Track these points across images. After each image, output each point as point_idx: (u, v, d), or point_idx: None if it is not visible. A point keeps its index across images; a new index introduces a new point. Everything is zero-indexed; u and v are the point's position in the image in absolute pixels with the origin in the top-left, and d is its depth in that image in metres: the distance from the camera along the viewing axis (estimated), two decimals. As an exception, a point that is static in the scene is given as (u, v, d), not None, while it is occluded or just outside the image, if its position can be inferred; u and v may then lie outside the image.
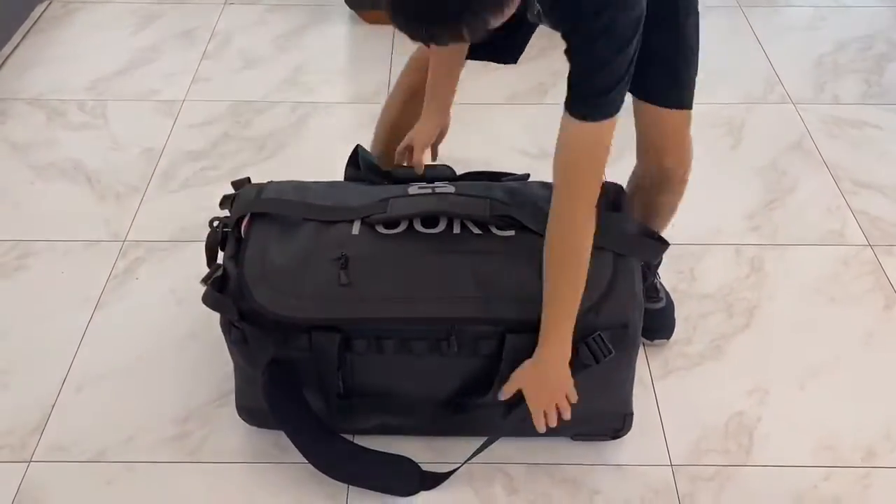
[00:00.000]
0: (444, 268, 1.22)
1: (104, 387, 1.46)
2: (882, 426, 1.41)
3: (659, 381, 1.48)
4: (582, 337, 1.19)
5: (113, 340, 1.54)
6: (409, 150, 1.45)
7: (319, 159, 1.99)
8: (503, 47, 1.39)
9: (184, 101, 2.17)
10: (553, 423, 1.23)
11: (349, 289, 1.19)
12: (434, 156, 1.50)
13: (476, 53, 1.42)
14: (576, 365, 1.20)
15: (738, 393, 1.47)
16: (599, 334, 1.19)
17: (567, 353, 1.18)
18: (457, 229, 1.25)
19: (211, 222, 1.31)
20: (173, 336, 1.55)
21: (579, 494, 1.31)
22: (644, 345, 1.53)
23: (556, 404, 1.22)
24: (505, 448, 1.34)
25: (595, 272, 1.19)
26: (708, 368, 1.51)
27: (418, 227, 1.25)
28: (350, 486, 1.30)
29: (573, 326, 1.17)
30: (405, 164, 1.45)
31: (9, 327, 1.57)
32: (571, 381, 1.20)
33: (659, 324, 1.54)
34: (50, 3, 2.56)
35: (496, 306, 1.18)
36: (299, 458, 1.33)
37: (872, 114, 2.15)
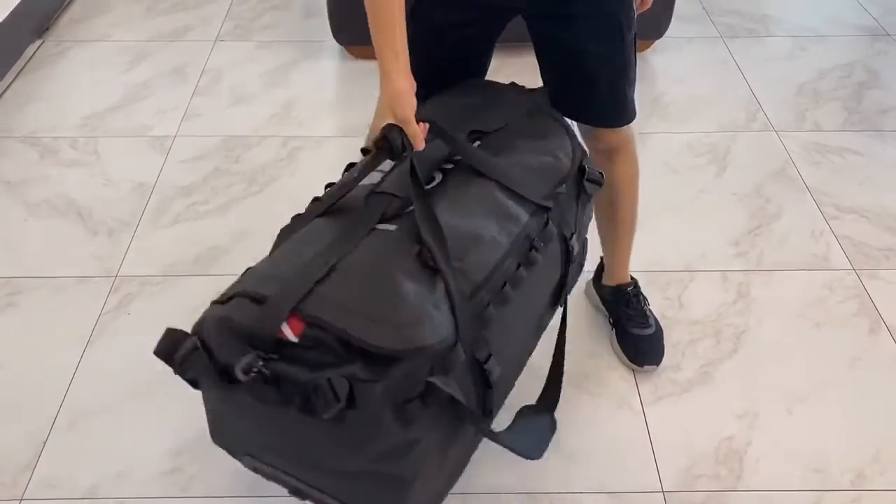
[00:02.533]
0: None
1: (96, 423, 1.46)
2: (870, 449, 1.43)
3: (649, 407, 1.49)
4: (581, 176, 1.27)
5: (105, 376, 1.55)
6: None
7: (310, 193, 2.00)
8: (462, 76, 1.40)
9: (175, 136, 2.20)
10: None
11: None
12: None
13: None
14: (587, 202, 1.30)
15: (728, 418, 1.48)
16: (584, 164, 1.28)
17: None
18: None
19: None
20: (165, 371, 1.53)
21: (571, 523, 1.31)
22: (634, 371, 1.55)
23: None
24: (499, 476, 1.35)
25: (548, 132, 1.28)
26: (697, 394, 1.52)
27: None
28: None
29: None
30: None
31: (0, 364, 1.57)
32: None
33: (648, 350, 1.55)
34: (43, 42, 2.59)
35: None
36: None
37: (853, 140, 2.20)
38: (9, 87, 2.38)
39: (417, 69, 1.16)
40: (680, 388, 1.53)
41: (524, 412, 1.19)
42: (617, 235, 1.56)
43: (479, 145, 1.25)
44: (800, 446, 1.43)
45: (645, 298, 1.60)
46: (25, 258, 1.82)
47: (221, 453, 1.38)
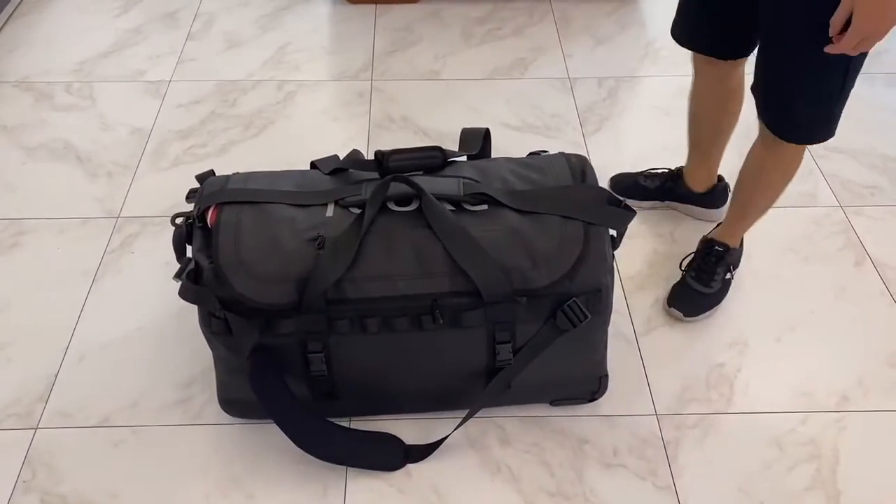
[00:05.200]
0: (420, 244, 1.22)
1: (106, 356, 1.50)
2: (854, 373, 1.49)
3: (643, 336, 1.55)
4: (558, 304, 1.23)
5: (112, 312, 1.58)
6: None
7: (306, 136, 2.03)
8: (737, 41, 1.43)
9: (170, 81, 2.20)
10: (854, 52, 1.13)
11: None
12: None
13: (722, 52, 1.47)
14: (553, 331, 1.25)
15: (719, 346, 1.53)
16: (574, 300, 1.23)
17: None
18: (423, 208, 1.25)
19: (173, 219, 1.28)
20: (171, 306, 1.58)
21: (568, 443, 1.37)
22: (627, 301, 1.60)
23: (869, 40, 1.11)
24: (498, 402, 1.40)
25: (567, 240, 1.23)
26: (689, 324, 1.57)
27: (392, 206, 1.26)
28: (350, 443, 1.35)
29: None
30: None
31: (8, 302, 1.60)
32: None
33: (687, 300, 1.56)
34: (31, -12, 2.56)
35: (470, 279, 1.20)
36: (300, 417, 1.38)
37: (842, 82, 2.23)
38: (-1, 32, 2.37)
39: None
40: (673, 319, 1.58)
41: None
42: (735, 204, 1.55)
43: (470, 209, 1.25)
44: (787, 372, 1.49)
45: (728, 266, 1.57)
46: (27, 200, 1.83)
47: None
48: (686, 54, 2.34)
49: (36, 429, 1.38)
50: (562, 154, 1.39)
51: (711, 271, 1.56)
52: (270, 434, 1.35)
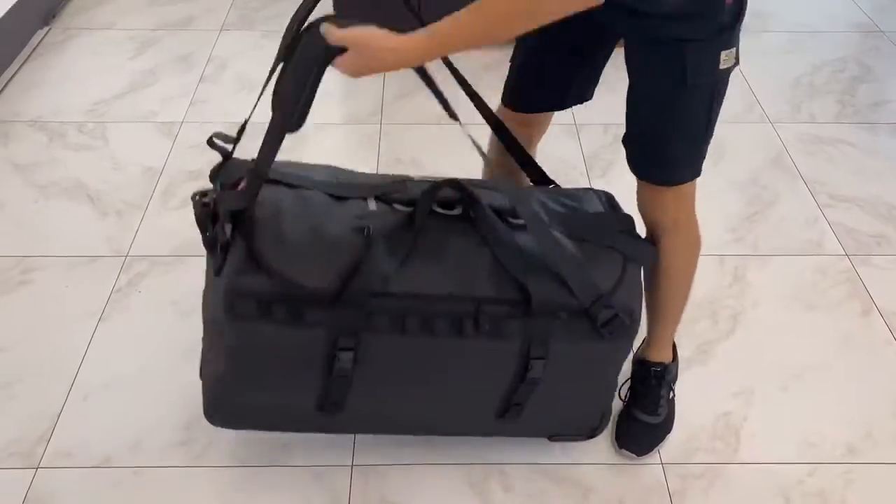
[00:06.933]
0: (467, 248, 1.19)
1: (110, 396, 1.50)
2: (862, 424, 1.47)
3: (648, 384, 1.54)
4: (592, 326, 1.20)
5: (117, 351, 1.58)
6: None
7: (316, 177, 2.05)
8: (580, 88, 1.41)
9: (182, 122, 2.23)
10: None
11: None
12: None
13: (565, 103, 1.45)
14: (592, 335, 1.21)
15: (725, 395, 1.52)
16: (617, 313, 1.20)
17: (421, 60, 1.15)
18: (473, 213, 1.22)
19: (193, 196, 1.20)
20: (176, 346, 1.59)
21: (574, 492, 1.35)
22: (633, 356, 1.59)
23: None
24: (501, 447, 1.39)
25: (606, 269, 1.22)
26: (695, 372, 1.57)
27: (436, 208, 1.21)
28: (352, 488, 1.34)
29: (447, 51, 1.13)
30: None
31: (15, 339, 1.60)
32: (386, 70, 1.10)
33: (636, 436, 1.43)
34: (50, 29, 2.62)
35: (515, 287, 1.18)
36: (302, 461, 1.37)
37: (847, 132, 2.25)
38: (16, 72, 2.41)
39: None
40: (679, 367, 1.57)
41: None
42: (652, 309, 1.43)
43: (513, 222, 1.22)
44: (794, 421, 1.48)
45: (669, 385, 1.47)
46: (37, 238, 1.85)
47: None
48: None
49: (37, 468, 1.38)
50: (590, 189, 1.38)
51: (656, 396, 1.43)
52: (268, 478, 1.34)
